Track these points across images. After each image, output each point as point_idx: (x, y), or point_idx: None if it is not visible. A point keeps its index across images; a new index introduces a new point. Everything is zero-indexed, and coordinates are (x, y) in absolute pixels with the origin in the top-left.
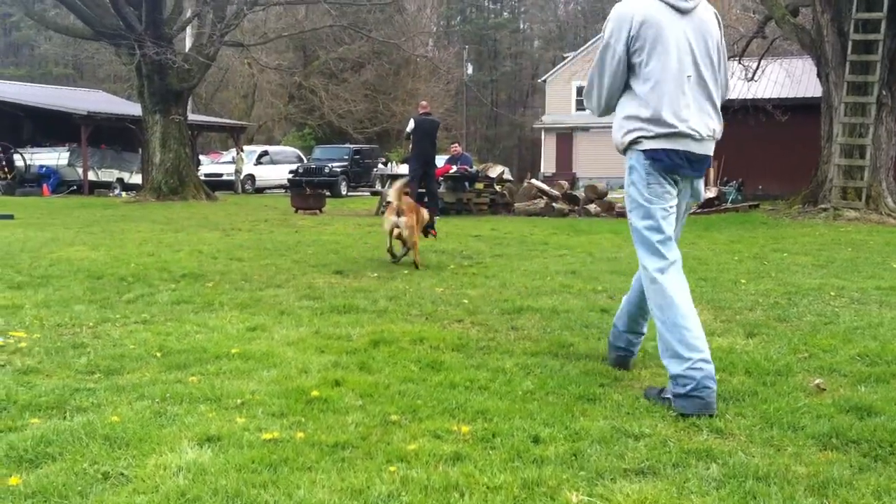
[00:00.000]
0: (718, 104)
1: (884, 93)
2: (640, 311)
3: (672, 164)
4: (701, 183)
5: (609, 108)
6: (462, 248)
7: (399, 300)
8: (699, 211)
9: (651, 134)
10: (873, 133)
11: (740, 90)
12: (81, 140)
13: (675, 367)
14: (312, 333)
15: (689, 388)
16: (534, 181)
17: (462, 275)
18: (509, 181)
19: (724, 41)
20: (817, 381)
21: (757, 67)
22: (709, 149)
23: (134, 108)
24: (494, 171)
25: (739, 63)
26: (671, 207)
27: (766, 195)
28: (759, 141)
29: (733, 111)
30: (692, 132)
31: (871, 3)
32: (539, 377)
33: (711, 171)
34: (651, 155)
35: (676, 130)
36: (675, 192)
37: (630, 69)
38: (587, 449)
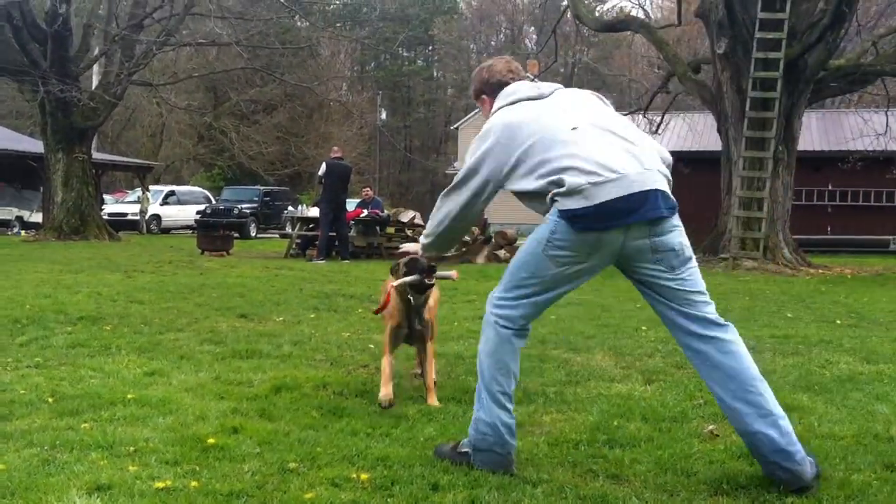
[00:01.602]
0: (643, 142)
1: (780, 148)
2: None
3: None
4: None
5: None
6: (371, 293)
7: (304, 345)
8: None
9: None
10: (770, 186)
11: None
12: None
13: (480, 412)
14: (212, 379)
15: (490, 440)
16: None
17: (370, 319)
18: (421, 226)
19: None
20: (711, 428)
21: (661, 121)
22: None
23: (36, 146)
24: (406, 215)
25: (644, 116)
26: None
27: None
28: None
29: None
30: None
31: (768, 62)
32: (441, 423)
33: None
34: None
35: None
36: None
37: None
38: (485, 496)
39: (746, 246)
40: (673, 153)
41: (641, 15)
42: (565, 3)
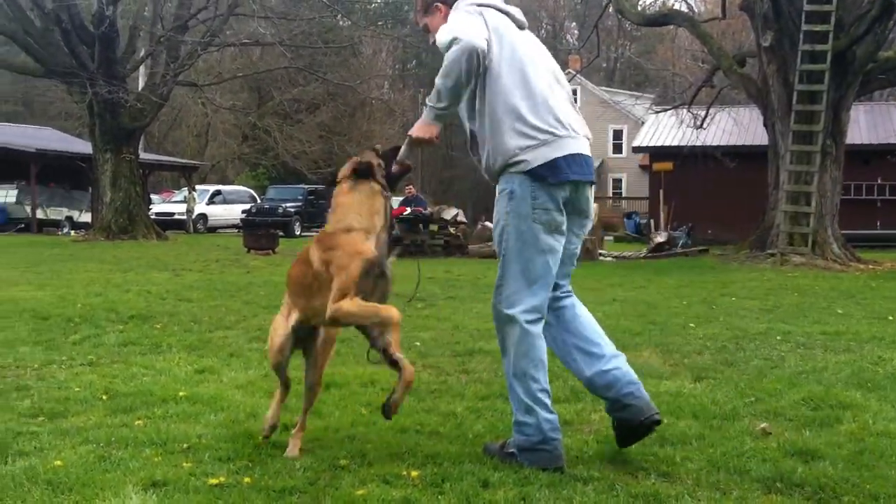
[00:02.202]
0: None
1: (828, 142)
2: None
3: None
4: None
5: None
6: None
7: (351, 342)
8: (650, 255)
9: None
10: (818, 181)
11: (689, 137)
12: (31, 178)
13: (520, 415)
14: (262, 376)
15: (535, 439)
16: (487, 224)
17: (415, 317)
18: (463, 223)
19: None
20: (763, 426)
21: (706, 115)
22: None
23: (84, 147)
24: (449, 213)
25: (689, 111)
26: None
27: (715, 240)
28: (709, 187)
29: (683, 157)
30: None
31: (815, 55)
32: (489, 421)
33: (662, 216)
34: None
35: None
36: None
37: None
38: (535, 493)
39: (794, 241)
40: (718, 147)
41: (685, 8)
42: None
